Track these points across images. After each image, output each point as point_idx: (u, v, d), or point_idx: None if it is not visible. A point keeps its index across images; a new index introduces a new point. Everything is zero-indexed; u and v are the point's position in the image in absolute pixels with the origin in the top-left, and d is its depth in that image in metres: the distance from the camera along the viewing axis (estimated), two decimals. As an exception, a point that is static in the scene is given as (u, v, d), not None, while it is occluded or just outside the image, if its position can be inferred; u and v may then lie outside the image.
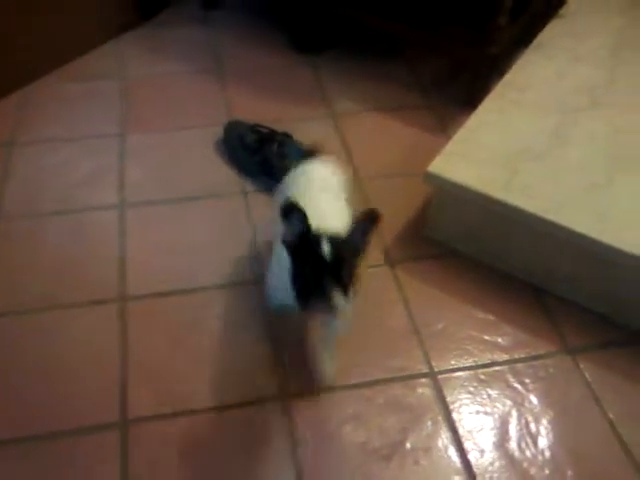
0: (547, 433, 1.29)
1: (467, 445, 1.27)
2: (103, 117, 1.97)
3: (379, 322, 1.47)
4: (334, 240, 1.09)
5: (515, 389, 1.36)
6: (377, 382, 1.36)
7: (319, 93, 2.09)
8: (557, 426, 1.30)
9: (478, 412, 1.32)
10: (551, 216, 1.40)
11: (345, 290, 1.08)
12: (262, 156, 1.79)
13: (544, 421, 1.31)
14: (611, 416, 1.31)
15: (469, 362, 1.40)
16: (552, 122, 1.63)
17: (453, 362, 1.40)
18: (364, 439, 1.27)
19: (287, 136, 1.80)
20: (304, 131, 1.86)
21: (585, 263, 1.44)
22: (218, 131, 1.89)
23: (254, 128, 1.85)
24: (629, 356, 1.41)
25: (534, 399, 1.34)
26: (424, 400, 1.33)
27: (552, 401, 1.34)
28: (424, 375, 1.37)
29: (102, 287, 1.51)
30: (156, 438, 1.26)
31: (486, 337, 1.45)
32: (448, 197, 1.55)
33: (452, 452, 1.26)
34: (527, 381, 1.37)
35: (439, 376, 1.37)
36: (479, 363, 1.40)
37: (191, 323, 1.45)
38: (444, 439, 1.28)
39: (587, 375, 1.38)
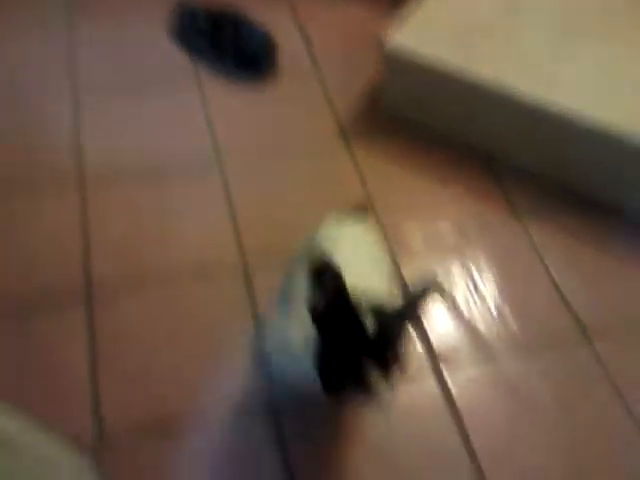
0: (495, 293, 1.36)
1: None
2: (49, 5, 1.89)
3: (335, 194, 1.51)
4: (379, 310, 0.88)
5: (464, 253, 1.42)
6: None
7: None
8: (504, 286, 1.37)
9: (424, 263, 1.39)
10: (502, 83, 1.42)
11: (388, 375, 0.87)
12: (216, 40, 1.75)
13: (492, 282, 1.38)
14: (555, 276, 1.39)
15: (422, 229, 1.46)
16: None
17: (405, 229, 1.45)
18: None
19: (242, 17, 1.76)
20: (259, 13, 1.81)
21: (536, 130, 1.47)
22: (169, 17, 1.83)
23: (207, 11, 1.79)
24: (576, 219, 1.48)
25: (483, 262, 1.40)
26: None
27: (500, 263, 1.41)
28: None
29: (60, 172, 1.51)
30: (121, 311, 1.31)
31: (438, 205, 1.50)
32: (402, 69, 1.56)
33: (405, 312, 1.33)
34: (477, 245, 1.43)
35: (390, 237, 1.42)
36: (431, 230, 1.45)
37: (153, 204, 1.48)
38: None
39: (534, 238, 1.44)
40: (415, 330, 1.29)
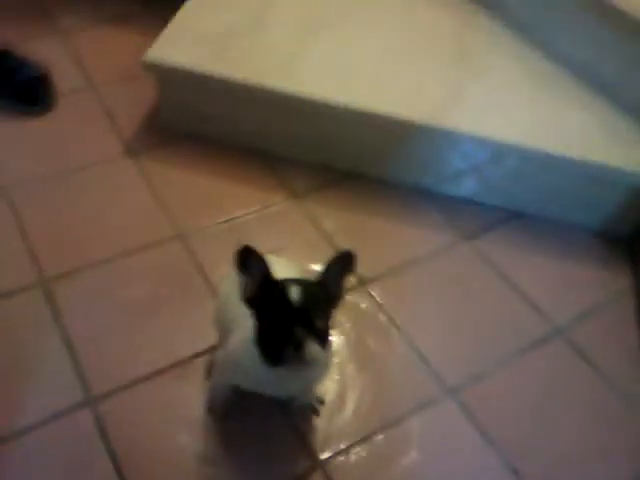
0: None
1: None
2: None
3: (127, 206, 1.61)
4: (303, 284, 0.97)
5: (253, 229, 1.58)
6: (136, 249, 1.51)
7: (39, 10, 2.09)
8: (290, 256, 1.53)
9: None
10: (256, 82, 1.60)
11: (321, 339, 0.97)
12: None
13: (280, 254, 1.53)
14: (333, 239, 1.59)
15: (217, 222, 1.59)
16: (253, 6, 1.81)
17: (203, 221, 1.59)
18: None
19: (7, 52, 1.79)
20: (29, 47, 1.87)
21: (295, 119, 1.68)
22: None
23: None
24: (342, 191, 1.70)
25: (271, 241, 1.55)
26: (175, 260, 1.51)
27: (285, 238, 1.58)
28: (175, 237, 1.55)
29: None
30: None
31: (228, 202, 1.65)
32: (169, 82, 1.70)
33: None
34: (265, 225, 1.59)
35: (191, 238, 1.55)
36: (226, 219, 1.60)
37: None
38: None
39: (312, 211, 1.64)
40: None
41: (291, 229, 1.61)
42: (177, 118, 1.77)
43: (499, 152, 1.61)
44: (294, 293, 0.95)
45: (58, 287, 1.41)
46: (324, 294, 1.00)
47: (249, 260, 0.97)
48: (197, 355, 1.33)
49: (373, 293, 1.49)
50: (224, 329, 1.20)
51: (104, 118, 1.81)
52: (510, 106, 1.65)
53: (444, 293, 1.52)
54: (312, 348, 0.94)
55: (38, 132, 1.75)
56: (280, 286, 0.97)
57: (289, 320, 0.94)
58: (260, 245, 0.98)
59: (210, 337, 1.32)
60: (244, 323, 1.05)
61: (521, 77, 1.72)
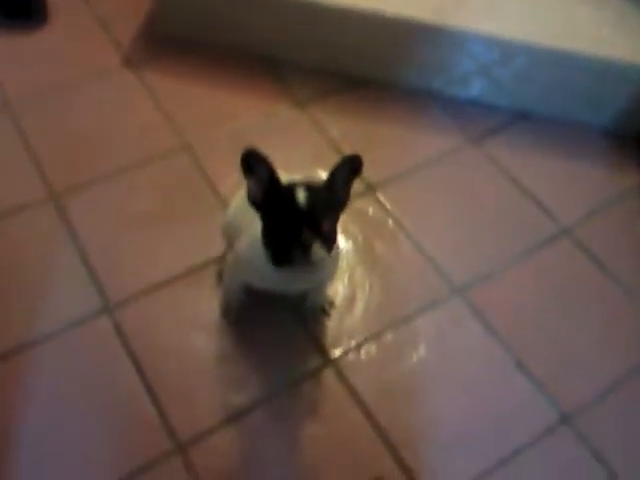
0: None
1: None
2: None
3: (130, 119, 1.59)
4: (310, 189, 0.97)
5: (259, 138, 1.48)
6: (143, 161, 1.52)
7: None
8: (293, 165, 1.52)
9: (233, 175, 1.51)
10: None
11: (328, 242, 0.98)
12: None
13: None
14: (341, 145, 1.58)
15: (223, 133, 1.58)
16: None
17: (209, 131, 1.58)
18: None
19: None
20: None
21: (298, 22, 1.63)
22: None
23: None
24: (348, 98, 1.68)
25: (280, 150, 1.51)
26: (182, 172, 1.50)
27: (290, 146, 1.56)
28: (181, 148, 1.54)
29: None
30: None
31: (232, 111, 1.63)
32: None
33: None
34: (271, 134, 1.58)
35: (197, 149, 1.54)
36: (231, 129, 1.59)
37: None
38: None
39: (317, 120, 1.62)
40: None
41: (298, 137, 1.60)
42: (176, 27, 1.72)
43: (508, 51, 1.57)
44: (301, 196, 0.96)
45: (69, 200, 1.43)
46: (331, 198, 1.00)
47: (255, 164, 0.98)
48: (209, 263, 1.36)
49: (381, 198, 1.50)
50: (233, 236, 1.22)
51: (100, 29, 1.76)
52: (518, 5, 1.60)
53: (451, 196, 1.52)
54: (318, 250, 0.96)
55: (35, 47, 1.71)
56: (287, 190, 0.97)
57: (297, 223, 0.95)
58: (267, 154, 0.98)
59: (220, 245, 1.34)
60: (253, 226, 1.07)
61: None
